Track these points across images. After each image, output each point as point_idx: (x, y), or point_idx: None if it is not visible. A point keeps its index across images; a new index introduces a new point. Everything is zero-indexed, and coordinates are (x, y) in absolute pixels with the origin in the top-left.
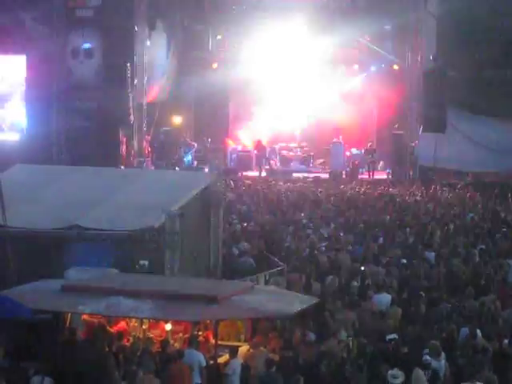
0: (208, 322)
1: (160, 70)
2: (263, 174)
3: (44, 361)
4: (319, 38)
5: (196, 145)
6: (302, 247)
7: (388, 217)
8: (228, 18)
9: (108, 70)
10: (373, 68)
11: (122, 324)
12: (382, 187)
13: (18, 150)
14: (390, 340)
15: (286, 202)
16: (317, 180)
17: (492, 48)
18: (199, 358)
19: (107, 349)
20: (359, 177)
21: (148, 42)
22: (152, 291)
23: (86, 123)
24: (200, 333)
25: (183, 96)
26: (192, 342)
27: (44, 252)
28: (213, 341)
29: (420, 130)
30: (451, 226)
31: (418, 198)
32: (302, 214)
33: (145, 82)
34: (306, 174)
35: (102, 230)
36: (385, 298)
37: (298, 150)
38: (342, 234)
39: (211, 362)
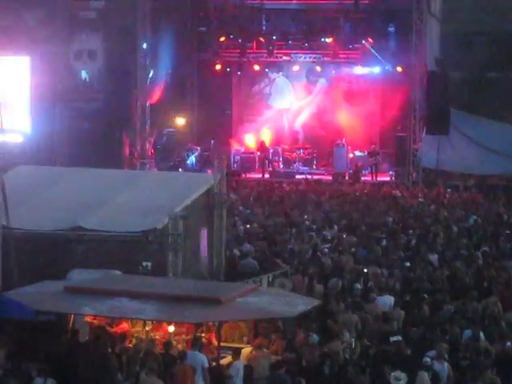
0: (211, 323)
1: (163, 71)
2: (266, 175)
3: (47, 362)
4: (322, 39)
5: (199, 148)
6: (305, 249)
7: (391, 219)
8: (231, 19)
9: (111, 72)
10: (376, 70)
11: (124, 325)
12: (385, 189)
13: (21, 152)
14: (394, 342)
15: (289, 204)
16: (320, 182)
17: (495, 50)
18: (202, 359)
19: (110, 350)
20: (362, 179)
21: (151, 44)
22: (155, 293)
23: (89, 124)
24: (203, 334)
25: (187, 97)
26: (195, 343)
27: (47, 253)
28: (216, 342)
29: (423, 133)
30: (454, 229)
31: (421, 200)
32: (305, 216)
33: (148, 83)
34: (309, 176)
35: (104, 231)
36: (388, 300)
37: (301, 151)
38: (344, 236)
39: (214, 363)
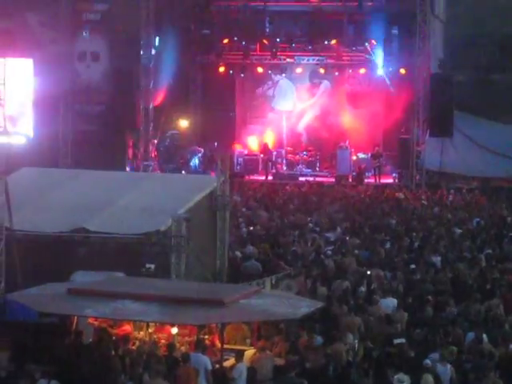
0: (214, 325)
1: (167, 73)
2: (269, 177)
3: (50, 364)
4: (325, 41)
5: (203, 150)
6: (308, 251)
7: (394, 221)
8: (235, 21)
9: (115, 74)
10: (380, 72)
11: (127, 327)
12: (388, 191)
13: (24, 154)
14: (397, 344)
15: (292, 206)
16: (322, 184)
17: (499, 52)
18: (205, 361)
19: (113, 352)
20: (365, 181)
21: (155, 46)
22: (158, 295)
23: (92, 127)
24: (206, 336)
25: (190, 100)
26: (198, 345)
27: (50, 255)
28: (219, 344)
29: (427, 135)
30: (457, 231)
31: (424, 202)
32: (309, 218)
33: (151, 85)
34: (310, 178)
35: (108, 233)
36: (391, 302)
37: (305, 153)
38: (348, 238)
39: (217, 365)
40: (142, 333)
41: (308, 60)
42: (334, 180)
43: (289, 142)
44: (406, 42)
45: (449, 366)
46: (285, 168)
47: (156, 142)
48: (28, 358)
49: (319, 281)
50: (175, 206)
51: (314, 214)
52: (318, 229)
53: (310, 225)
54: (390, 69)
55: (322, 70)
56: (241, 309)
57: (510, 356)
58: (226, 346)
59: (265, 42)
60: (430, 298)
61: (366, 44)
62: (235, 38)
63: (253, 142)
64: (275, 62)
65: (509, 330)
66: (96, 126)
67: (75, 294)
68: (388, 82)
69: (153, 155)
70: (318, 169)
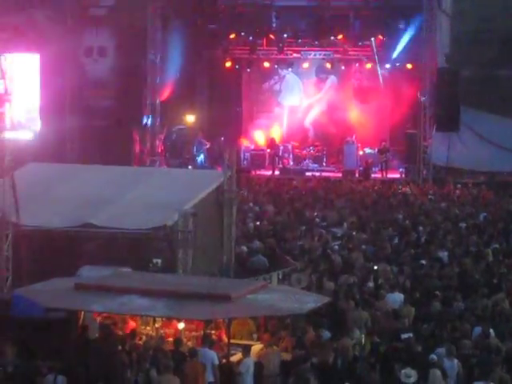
0: (221, 320)
1: (173, 68)
2: (276, 172)
3: (57, 359)
4: (332, 36)
5: (207, 144)
6: (315, 246)
7: (401, 216)
8: (241, 16)
9: (121, 69)
10: (386, 67)
11: (132, 324)
12: (395, 186)
13: (31, 149)
14: (405, 339)
15: (299, 201)
16: (330, 179)
17: (505, 47)
18: (212, 356)
19: (120, 347)
20: (372, 176)
21: (161, 41)
22: (165, 290)
23: (99, 122)
24: (213, 331)
25: (196, 95)
26: (205, 340)
27: (57, 250)
28: (225, 339)
29: (433, 130)
30: (464, 226)
31: (431, 197)
32: (315, 213)
33: (158, 80)
34: (318, 173)
35: (114, 228)
36: (398, 297)
37: (311, 148)
38: (354, 233)
39: (224, 360)
40: (148, 328)
41: (315, 55)
42: (340, 175)
43: (295, 137)
44: (412, 37)
45: (456, 360)
46: (291, 163)
47: (163, 137)
48: (35, 354)
49: (326, 276)
50: (182, 201)
51: (321, 208)
52: (324, 224)
53: (317, 220)
54: (397, 64)
55: (328, 65)
56: (247, 304)
57: None
58: (232, 341)
59: (271, 36)
60: (437, 292)
61: (373, 39)
62: (242, 33)
63: (259, 137)
64: (282, 56)
65: None
66: (102, 121)
67: (82, 289)
68: (394, 76)
69: (159, 150)
70: (324, 164)
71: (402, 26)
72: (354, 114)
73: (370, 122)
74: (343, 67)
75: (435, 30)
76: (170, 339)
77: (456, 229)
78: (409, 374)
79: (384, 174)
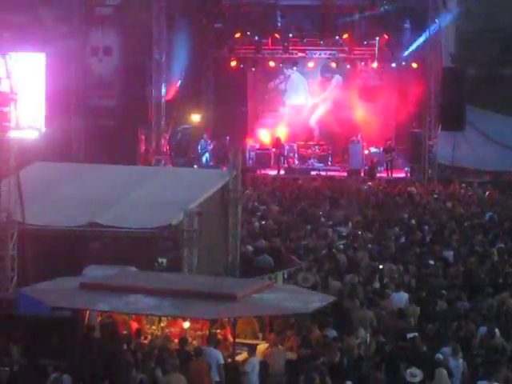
0: (226, 319)
1: (179, 68)
2: (282, 171)
3: (62, 358)
4: (337, 35)
5: (210, 142)
6: (320, 245)
7: (406, 215)
8: (246, 16)
9: (127, 68)
10: (392, 66)
11: (135, 323)
12: (401, 185)
13: (36, 148)
14: (411, 338)
15: (305, 200)
16: (335, 178)
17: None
18: (217, 355)
19: (125, 346)
20: (377, 175)
21: (167, 40)
22: (170, 289)
23: (104, 121)
24: (218, 331)
25: (202, 94)
26: (210, 339)
27: (62, 250)
28: (231, 339)
29: (439, 129)
30: (469, 225)
31: (436, 196)
32: (321, 212)
33: (163, 80)
34: (324, 173)
35: (120, 227)
36: (403, 296)
37: (317, 147)
38: (360, 233)
39: (229, 359)
40: (154, 327)
41: (320, 54)
42: (346, 174)
43: (301, 136)
44: (417, 36)
45: (461, 360)
46: (297, 162)
47: (168, 136)
48: (40, 352)
49: (331, 275)
50: (187, 201)
51: (326, 208)
52: (330, 223)
53: (322, 219)
54: (402, 63)
55: (333, 64)
56: (253, 303)
57: None
58: (237, 341)
59: (277, 36)
60: (444, 292)
61: (378, 38)
62: (247, 33)
63: (265, 136)
64: (287, 56)
65: None
66: (108, 121)
67: (87, 288)
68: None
69: (165, 149)
70: (330, 163)
71: (407, 25)
72: (360, 113)
73: (376, 121)
74: (348, 66)
75: (441, 30)
76: (174, 334)
77: (461, 228)
78: (414, 374)
79: (389, 174)
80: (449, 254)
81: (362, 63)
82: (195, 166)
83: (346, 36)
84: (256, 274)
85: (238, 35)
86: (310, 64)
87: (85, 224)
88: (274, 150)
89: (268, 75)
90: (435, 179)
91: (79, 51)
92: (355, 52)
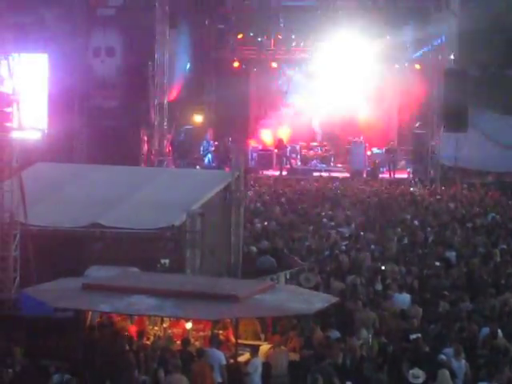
0: (228, 320)
1: (181, 68)
2: (284, 172)
3: (64, 359)
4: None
5: (213, 143)
6: (323, 246)
7: (409, 216)
8: (249, 16)
9: (129, 69)
10: (396, 66)
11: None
12: (403, 186)
13: (39, 149)
14: (413, 340)
15: (307, 201)
16: (337, 179)
17: None
18: (220, 356)
19: (128, 347)
20: (380, 176)
21: (169, 41)
22: (173, 290)
23: (106, 122)
24: (220, 331)
25: (204, 95)
26: (213, 340)
27: (65, 250)
28: (233, 340)
29: (441, 130)
30: (472, 226)
31: (438, 197)
32: (323, 214)
33: (166, 80)
34: (326, 173)
35: (122, 228)
36: (406, 297)
37: (319, 148)
38: (362, 233)
39: (231, 360)
40: (156, 328)
41: (321, 55)
42: (348, 175)
43: (303, 137)
44: (421, 37)
45: (463, 361)
46: (299, 163)
47: (170, 137)
48: (42, 353)
49: (333, 276)
50: (190, 201)
51: (329, 209)
52: (332, 224)
53: (325, 220)
54: (405, 64)
55: (335, 65)
56: (255, 304)
57: None
58: (240, 341)
59: (279, 36)
60: (446, 293)
61: (381, 39)
62: (250, 33)
63: (267, 137)
64: (289, 56)
65: None
66: (110, 121)
67: (90, 289)
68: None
69: (167, 150)
70: (332, 164)
71: (409, 25)
72: (362, 114)
73: (378, 121)
74: (351, 67)
75: (443, 31)
76: (176, 335)
77: (464, 229)
78: (417, 375)
79: (392, 174)
80: (451, 255)
81: (365, 64)
82: (198, 167)
83: (347, 37)
84: (258, 275)
85: (240, 36)
86: (312, 65)
87: (87, 225)
88: (276, 150)
89: (270, 76)
90: (438, 180)
91: (82, 52)
92: (357, 53)
